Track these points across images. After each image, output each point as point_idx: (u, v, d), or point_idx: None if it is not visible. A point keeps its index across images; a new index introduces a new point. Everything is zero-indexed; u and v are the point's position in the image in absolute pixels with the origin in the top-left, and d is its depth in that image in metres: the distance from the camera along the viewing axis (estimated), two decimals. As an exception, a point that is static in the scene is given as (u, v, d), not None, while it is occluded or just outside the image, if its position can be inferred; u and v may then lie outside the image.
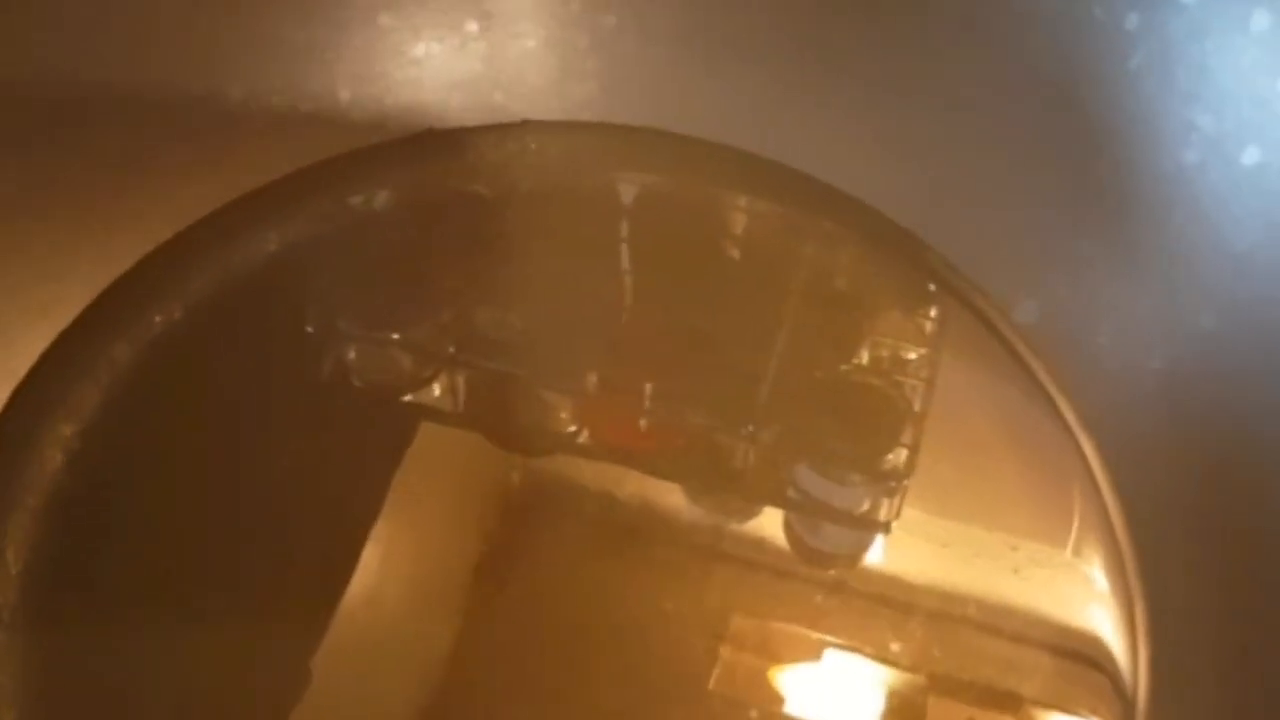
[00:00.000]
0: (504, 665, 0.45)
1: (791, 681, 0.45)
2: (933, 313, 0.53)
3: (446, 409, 0.50)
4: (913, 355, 0.52)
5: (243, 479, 0.48)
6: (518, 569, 0.47)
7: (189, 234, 0.53)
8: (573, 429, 0.50)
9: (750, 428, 0.49)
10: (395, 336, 0.49)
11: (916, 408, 0.51)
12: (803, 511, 0.49)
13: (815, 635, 0.46)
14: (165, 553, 0.46)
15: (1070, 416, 0.51)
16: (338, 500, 0.47)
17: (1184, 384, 0.48)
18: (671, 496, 0.49)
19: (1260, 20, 0.45)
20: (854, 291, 0.54)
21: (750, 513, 0.49)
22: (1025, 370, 0.53)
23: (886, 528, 0.49)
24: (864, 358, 0.52)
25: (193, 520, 0.47)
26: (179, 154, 0.53)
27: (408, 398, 0.50)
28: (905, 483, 0.49)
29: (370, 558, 0.46)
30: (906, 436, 0.50)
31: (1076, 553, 0.49)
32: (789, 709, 0.45)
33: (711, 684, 0.45)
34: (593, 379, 0.50)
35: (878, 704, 0.45)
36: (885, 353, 0.52)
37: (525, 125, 0.58)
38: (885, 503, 0.50)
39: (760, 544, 0.48)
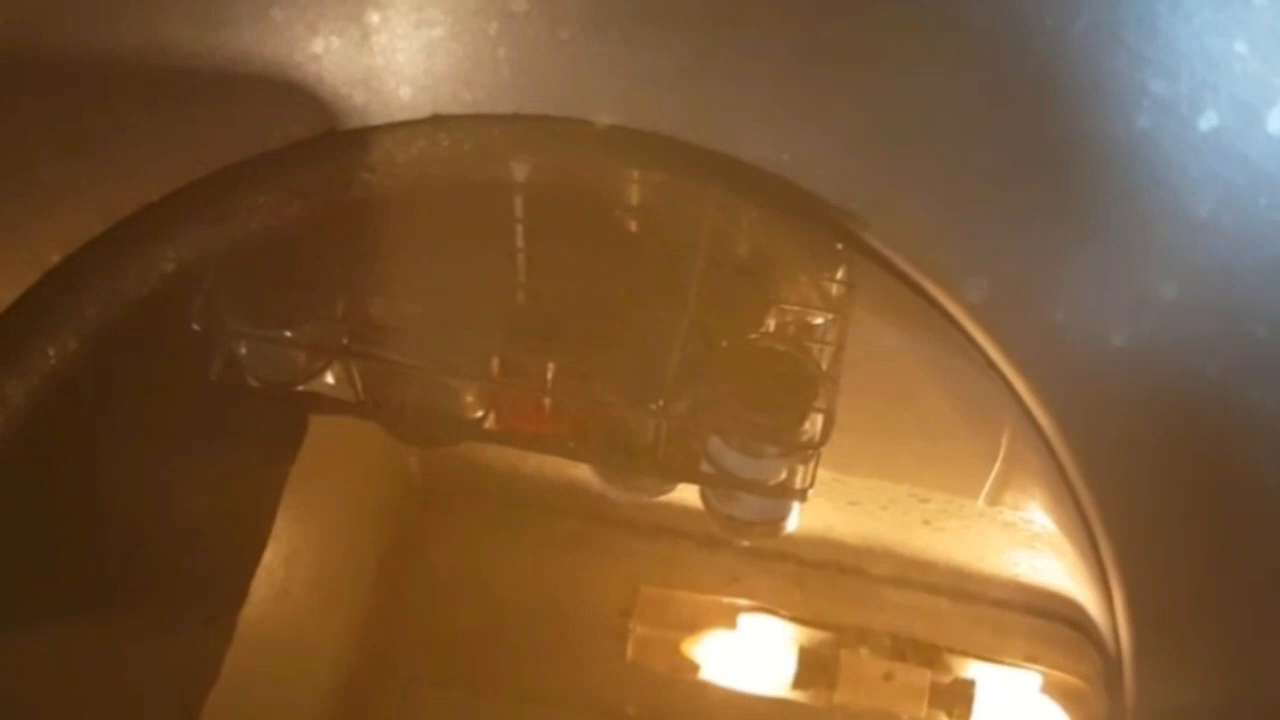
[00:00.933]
0: (416, 654, 0.45)
1: (708, 648, 0.45)
2: (839, 275, 0.53)
3: (345, 401, 0.49)
4: (820, 320, 0.52)
5: (145, 484, 0.47)
6: (424, 556, 0.47)
7: (80, 254, 0.52)
8: (478, 415, 0.49)
9: (659, 402, 0.49)
10: (287, 334, 0.48)
11: (828, 372, 0.50)
12: (718, 486, 0.49)
13: (728, 600, 0.45)
14: (72, 559, 0.46)
15: (1018, 385, 0.51)
16: (239, 499, 0.47)
17: (1146, 354, 0.47)
18: (577, 470, 0.48)
19: (1212, -22, 0.44)
20: (757, 259, 0.54)
21: (659, 491, 0.49)
22: (958, 330, 0.52)
23: (803, 495, 0.49)
24: (770, 325, 0.52)
25: (98, 526, 0.46)
26: (66, 167, 0.52)
27: (302, 390, 0.49)
28: (820, 450, 0.49)
29: (274, 554, 0.45)
30: (820, 402, 0.49)
31: (991, 502, 0.48)
32: (707, 675, 0.45)
33: (630, 655, 0.45)
34: (494, 363, 0.49)
35: (794, 664, 0.45)
36: (792, 319, 0.52)
37: (434, 120, 0.58)
38: (800, 470, 0.49)
39: (670, 514, 0.48)
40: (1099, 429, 0.49)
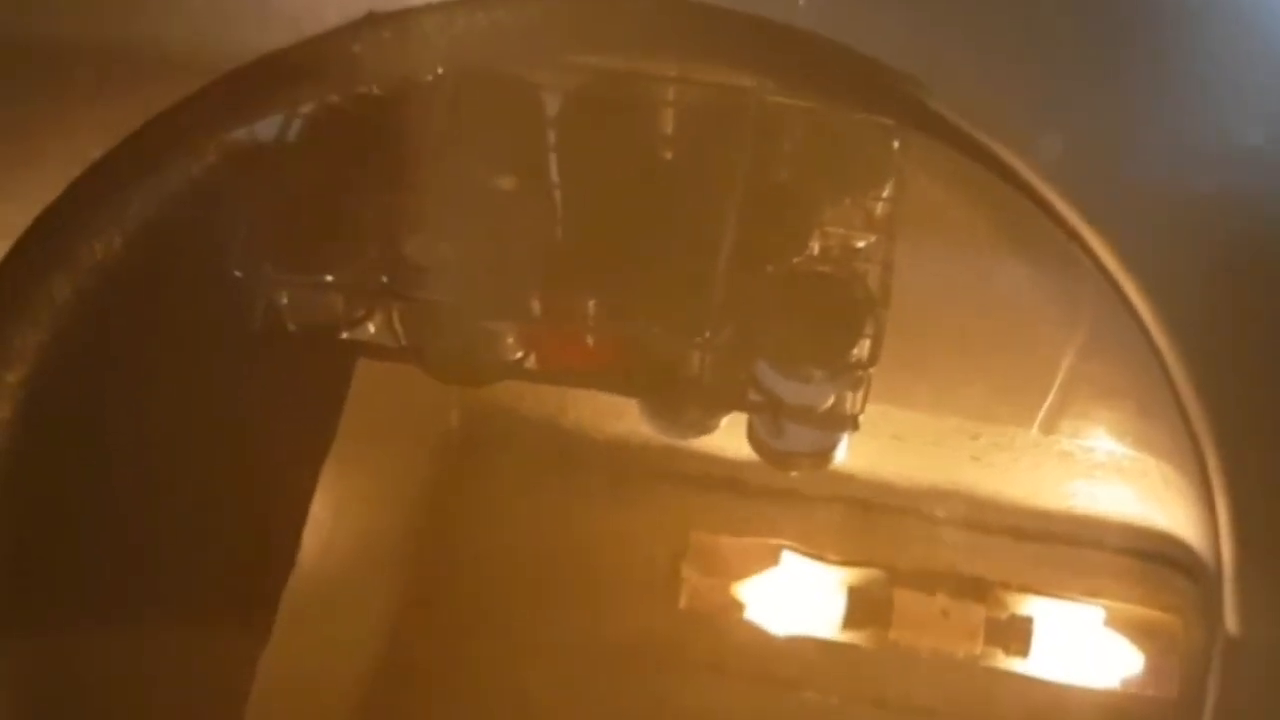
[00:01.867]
0: (466, 600, 0.45)
1: (760, 592, 0.45)
2: (885, 193, 0.51)
3: (387, 345, 0.49)
4: (863, 243, 0.51)
5: (190, 436, 0.47)
6: (470, 502, 0.46)
7: (120, 149, 0.51)
8: (519, 355, 0.49)
9: (705, 333, 0.48)
10: (328, 279, 0.47)
11: (876, 293, 0.49)
12: (766, 413, 0.48)
13: (777, 543, 0.45)
14: (118, 516, 0.46)
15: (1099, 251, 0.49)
16: (284, 448, 0.46)
17: (1232, 204, 0.45)
18: (619, 418, 0.48)
19: None
20: (799, 181, 0.52)
21: (705, 427, 0.48)
22: (1029, 199, 0.50)
23: (854, 422, 0.48)
24: (815, 249, 0.50)
25: (144, 487, 0.46)
26: (100, 66, 0.50)
27: (345, 337, 0.49)
28: (870, 372, 0.48)
29: (321, 505, 0.45)
30: (868, 326, 0.48)
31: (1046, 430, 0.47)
32: (761, 619, 0.44)
33: (683, 602, 0.45)
34: (535, 302, 0.48)
35: (846, 605, 0.44)
36: (836, 243, 0.51)
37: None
38: (850, 396, 0.48)
39: (717, 464, 0.47)
40: (1188, 296, 0.47)
